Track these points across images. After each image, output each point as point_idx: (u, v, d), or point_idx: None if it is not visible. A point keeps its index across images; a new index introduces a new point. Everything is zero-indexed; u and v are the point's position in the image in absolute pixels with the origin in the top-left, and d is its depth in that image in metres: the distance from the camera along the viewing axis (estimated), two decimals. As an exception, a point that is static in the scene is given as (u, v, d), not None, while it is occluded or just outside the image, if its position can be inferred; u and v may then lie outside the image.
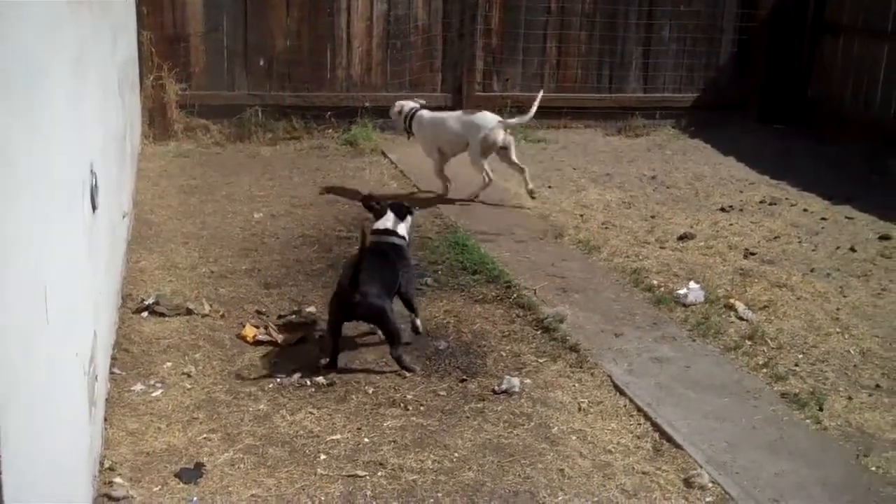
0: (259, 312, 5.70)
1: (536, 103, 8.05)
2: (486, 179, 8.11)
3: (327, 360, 5.02)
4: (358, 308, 4.91)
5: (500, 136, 7.96)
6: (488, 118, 8.03)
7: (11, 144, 2.43)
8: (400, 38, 10.54)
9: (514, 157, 8.14)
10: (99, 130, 4.91)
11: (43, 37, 3.08)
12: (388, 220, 5.46)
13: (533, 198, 8.08)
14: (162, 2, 9.75)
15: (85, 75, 4.35)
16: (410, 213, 5.60)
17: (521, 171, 8.15)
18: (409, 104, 8.52)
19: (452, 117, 8.25)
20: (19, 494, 2.19)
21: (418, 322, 5.47)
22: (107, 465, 4.01)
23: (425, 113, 8.40)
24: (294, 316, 5.63)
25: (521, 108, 10.65)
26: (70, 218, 3.57)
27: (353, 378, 4.93)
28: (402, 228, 5.47)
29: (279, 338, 5.33)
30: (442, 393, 4.81)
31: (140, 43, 9.35)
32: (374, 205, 5.61)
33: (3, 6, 2.34)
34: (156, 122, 9.64)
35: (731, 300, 6.03)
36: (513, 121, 8.15)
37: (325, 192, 8.27)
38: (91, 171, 4.25)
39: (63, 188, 3.42)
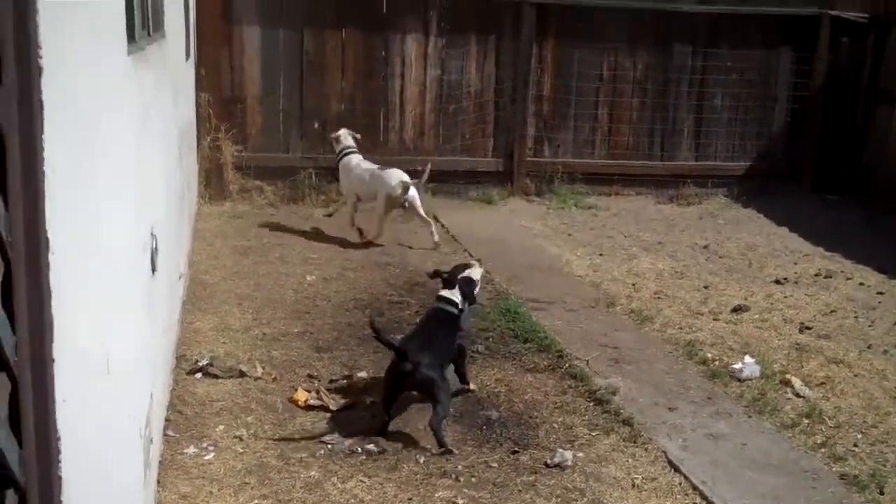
0: (310, 376, 5.70)
1: (427, 168, 8.84)
2: (373, 232, 8.69)
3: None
4: (410, 377, 4.91)
5: (400, 192, 8.46)
6: (393, 175, 8.55)
7: (79, 208, 2.47)
8: (453, 102, 10.65)
9: (420, 212, 8.69)
10: (160, 192, 4.99)
11: (109, 101, 3.14)
12: (452, 293, 5.45)
13: (435, 246, 8.62)
14: (220, 65, 9.96)
15: (147, 138, 4.43)
16: (474, 288, 5.57)
17: (428, 224, 8.71)
18: (346, 140, 9.00)
19: (368, 170, 8.74)
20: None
21: (471, 387, 5.55)
22: (158, 530, 4.01)
23: (354, 158, 8.89)
24: (345, 381, 5.63)
25: (571, 174, 10.82)
26: (132, 280, 3.61)
27: (405, 446, 4.89)
28: (463, 302, 5.46)
29: (330, 403, 5.32)
30: (493, 464, 4.75)
31: (198, 104, 9.54)
32: (444, 274, 5.64)
33: (70, 71, 2.39)
34: (212, 182, 9.79)
35: (788, 376, 5.92)
36: (413, 180, 8.61)
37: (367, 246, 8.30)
38: (152, 233, 4.31)
39: (126, 251, 3.47)
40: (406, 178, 8.53)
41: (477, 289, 5.63)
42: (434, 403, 4.95)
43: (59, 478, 2.09)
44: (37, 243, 1.95)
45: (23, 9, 1.87)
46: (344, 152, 8.94)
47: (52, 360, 2.03)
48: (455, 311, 5.39)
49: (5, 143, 1.85)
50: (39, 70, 1.92)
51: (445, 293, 5.47)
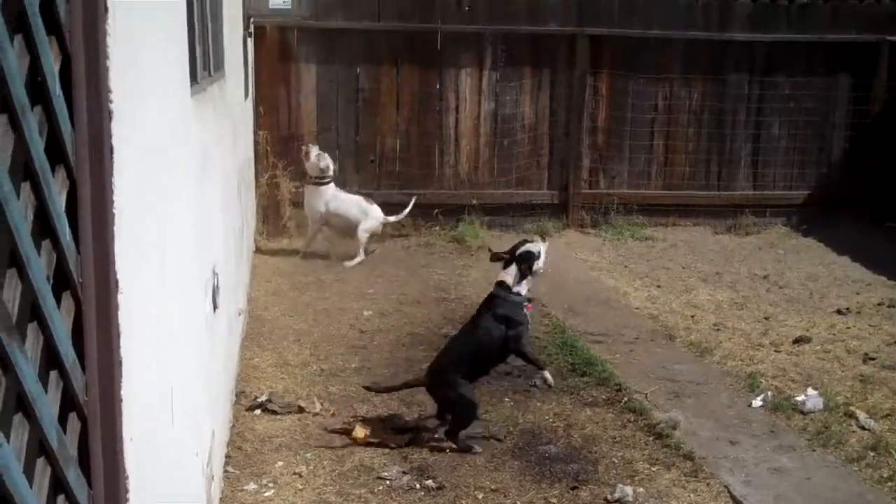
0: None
1: (411, 202, 9.53)
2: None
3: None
4: (433, 396, 5.48)
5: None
6: (377, 212, 9.38)
7: (146, 248, 2.51)
8: (507, 136, 10.68)
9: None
10: (220, 230, 5.06)
11: (174, 142, 3.20)
12: (508, 275, 5.42)
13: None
14: (278, 103, 10.11)
15: (208, 176, 4.50)
16: (533, 262, 5.40)
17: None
18: (331, 168, 9.30)
19: (354, 201, 9.36)
20: None
21: (546, 375, 5.51)
22: (220, 565, 4.03)
23: (332, 187, 9.34)
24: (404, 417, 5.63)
25: (627, 205, 10.76)
26: (194, 319, 3.66)
27: (463, 482, 4.88)
28: (523, 286, 5.39)
29: (388, 439, 5.32)
30: (553, 500, 4.72)
31: (256, 142, 9.68)
32: (504, 255, 5.52)
33: (138, 115, 2.43)
34: (269, 219, 9.91)
35: (852, 408, 5.81)
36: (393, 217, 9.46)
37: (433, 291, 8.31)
38: (213, 271, 4.37)
39: (189, 289, 3.52)
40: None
41: (539, 262, 5.44)
42: (451, 415, 5.35)
43: (127, 518, 2.12)
44: (107, 284, 1.99)
45: (93, 53, 1.91)
46: (326, 181, 9.22)
47: (121, 400, 2.06)
48: (505, 294, 5.32)
49: (77, 189, 1.90)
50: (110, 115, 1.96)
51: (501, 275, 5.45)
